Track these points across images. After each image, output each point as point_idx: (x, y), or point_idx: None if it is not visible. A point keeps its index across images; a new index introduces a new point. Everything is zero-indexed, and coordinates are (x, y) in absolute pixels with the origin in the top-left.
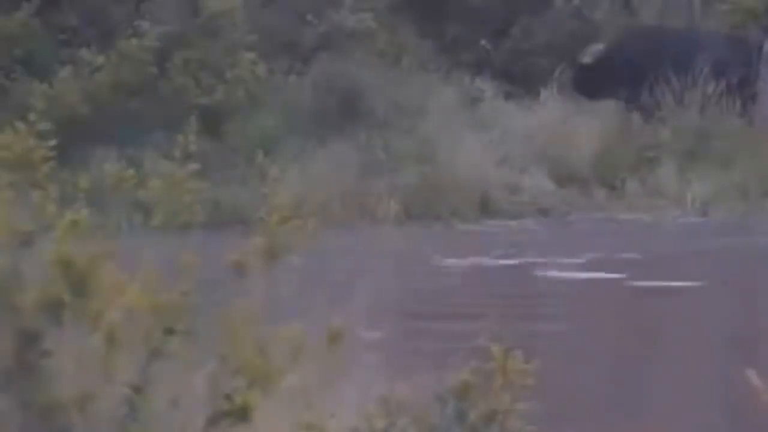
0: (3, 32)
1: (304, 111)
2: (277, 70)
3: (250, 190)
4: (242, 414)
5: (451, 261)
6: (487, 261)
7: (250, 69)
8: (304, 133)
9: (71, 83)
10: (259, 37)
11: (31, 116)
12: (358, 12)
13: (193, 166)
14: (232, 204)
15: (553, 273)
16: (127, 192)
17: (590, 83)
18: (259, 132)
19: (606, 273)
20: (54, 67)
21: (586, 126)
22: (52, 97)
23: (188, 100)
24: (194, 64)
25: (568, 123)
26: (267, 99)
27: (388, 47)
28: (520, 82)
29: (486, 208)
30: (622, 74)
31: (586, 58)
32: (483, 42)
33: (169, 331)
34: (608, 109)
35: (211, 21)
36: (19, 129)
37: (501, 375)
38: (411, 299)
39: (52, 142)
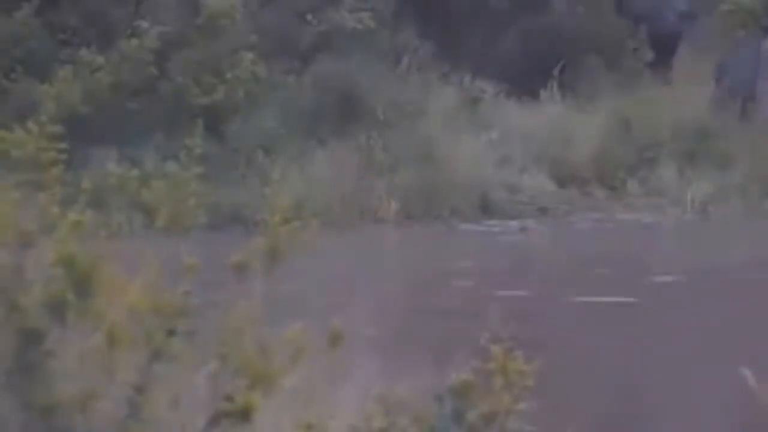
0: (3, 32)
1: (304, 111)
2: (277, 70)
3: (250, 190)
4: (243, 414)
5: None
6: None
7: (250, 69)
8: (304, 133)
9: (71, 83)
10: (259, 37)
11: (42, 117)
12: (358, 12)
13: (198, 170)
14: (231, 204)
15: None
16: (129, 193)
17: None
18: (259, 132)
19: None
20: (54, 67)
21: (586, 126)
22: (52, 97)
23: (188, 100)
24: (194, 64)
25: (568, 123)
26: (267, 99)
27: (388, 47)
28: (520, 82)
29: (486, 208)
30: None
31: None
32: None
33: (171, 332)
34: (608, 109)
35: (211, 21)
36: (32, 129)
37: (501, 375)
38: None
39: (63, 145)
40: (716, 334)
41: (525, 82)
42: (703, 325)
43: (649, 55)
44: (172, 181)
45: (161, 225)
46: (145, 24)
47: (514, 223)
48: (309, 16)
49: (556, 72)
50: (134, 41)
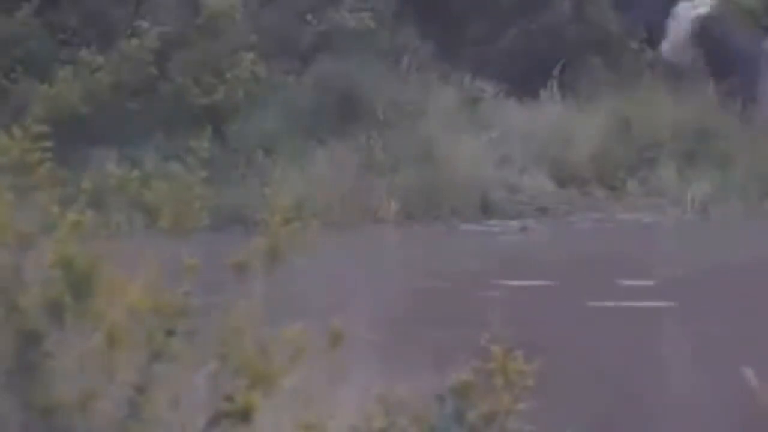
0: (3, 32)
1: (304, 111)
2: (277, 70)
3: (250, 190)
4: (243, 414)
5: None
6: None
7: (250, 69)
8: (304, 133)
9: (71, 83)
10: (259, 37)
11: (28, 120)
12: (358, 12)
13: (203, 173)
14: (231, 204)
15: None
16: (130, 193)
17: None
18: (259, 132)
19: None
20: (54, 67)
21: (586, 126)
22: (52, 97)
23: (188, 100)
24: (194, 64)
25: (568, 123)
26: (267, 99)
27: (388, 47)
28: (520, 82)
29: (486, 208)
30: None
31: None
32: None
33: (171, 332)
34: (608, 109)
35: (211, 21)
36: (15, 133)
37: (501, 375)
38: None
39: (48, 144)
40: (717, 333)
41: (525, 82)
42: (704, 324)
43: (649, 54)
44: (175, 183)
45: (164, 226)
46: (145, 24)
47: (514, 223)
48: (309, 16)
49: (556, 72)
50: (134, 41)
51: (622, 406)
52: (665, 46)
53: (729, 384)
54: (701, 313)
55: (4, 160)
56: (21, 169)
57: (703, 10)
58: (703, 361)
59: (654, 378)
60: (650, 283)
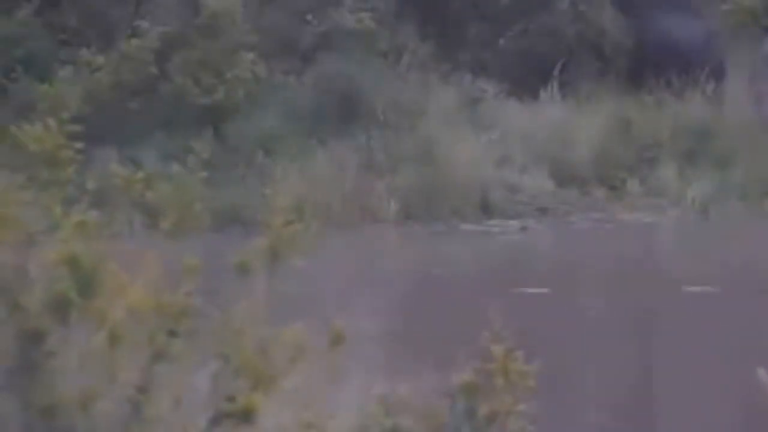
0: (3, 32)
1: (304, 111)
2: (277, 70)
3: (250, 190)
4: (244, 414)
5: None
6: None
7: (250, 69)
8: (304, 133)
9: (71, 83)
10: (259, 37)
11: (64, 115)
12: (358, 12)
13: (203, 173)
14: (231, 205)
15: None
16: (133, 194)
17: None
18: (259, 132)
19: None
20: (54, 67)
21: (586, 126)
22: (52, 97)
23: (188, 100)
24: (194, 64)
25: (568, 123)
26: (267, 99)
27: (388, 47)
28: (520, 82)
29: (486, 208)
30: None
31: None
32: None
33: (173, 333)
34: (608, 109)
35: (211, 21)
36: (51, 126)
37: (502, 376)
38: None
39: (80, 144)
40: (728, 334)
41: (525, 82)
42: (712, 325)
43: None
44: (177, 185)
45: (166, 227)
46: (145, 24)
47: (514, 223)
48: (309, 16)
49: (556, 72)
50: (134, 41)
51: (630, 404)
52: None
53: (744, 384)
54: (706, 314)
55: (36, 150)
56: (50, 163)
57: None
58: (715, 363)
59: (667, 380)
60: (658, 282)
